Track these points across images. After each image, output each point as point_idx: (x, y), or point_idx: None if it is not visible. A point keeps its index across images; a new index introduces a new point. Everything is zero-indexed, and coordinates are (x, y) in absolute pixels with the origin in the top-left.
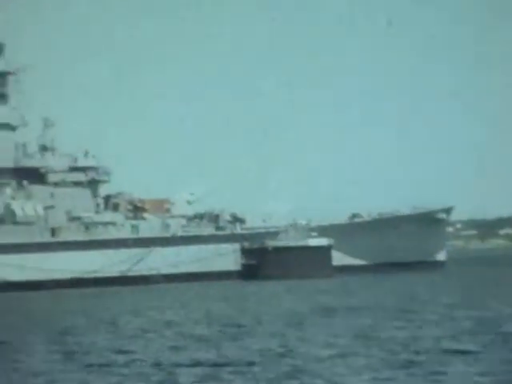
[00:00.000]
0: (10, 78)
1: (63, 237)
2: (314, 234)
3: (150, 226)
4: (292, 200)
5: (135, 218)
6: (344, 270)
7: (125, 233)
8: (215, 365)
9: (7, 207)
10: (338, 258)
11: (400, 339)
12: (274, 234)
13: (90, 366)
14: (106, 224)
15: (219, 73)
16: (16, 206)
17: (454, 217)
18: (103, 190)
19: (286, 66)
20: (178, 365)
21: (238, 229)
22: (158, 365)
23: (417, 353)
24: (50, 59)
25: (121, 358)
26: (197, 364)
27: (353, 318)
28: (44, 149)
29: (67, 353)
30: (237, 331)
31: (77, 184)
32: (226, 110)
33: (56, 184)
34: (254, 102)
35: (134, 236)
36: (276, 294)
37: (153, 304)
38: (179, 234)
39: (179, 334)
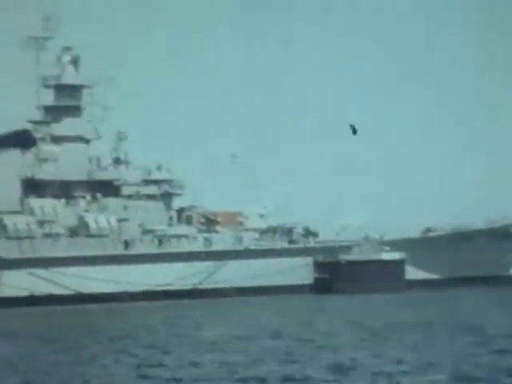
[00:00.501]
0: (85, 92)
1: (136, 249)
2: (386, 248)
3: (222, 239)
4: (365, 214)
5: (208, 231)
6: (417, 284)
7: (197, 246)
8: (285, 379)
9: (81, 220)
10: (411, 273)
11: (473, 356)
12: (346, 248)
13: (169, 380)
14: (178, 237)
15: (299, 91)
16: (90, 219)
17: None
18: (176, 203)
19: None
20: (248, 379)
21: (311, 242)
22: (227, 380)
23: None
24: (123, 72)
25: (194, 372)
26: (266, 379)
27: (425, 333)
28: (118, 162)
29: (142, 366)
30: (308, 345)
31: (150, 197)
32: (299, 125)
33: (129, 197)
34: (334, 117)
35: (207, 249)
36: (348, 308)
37: (225, 317)
38: (252, 247)
39: (251, 347)
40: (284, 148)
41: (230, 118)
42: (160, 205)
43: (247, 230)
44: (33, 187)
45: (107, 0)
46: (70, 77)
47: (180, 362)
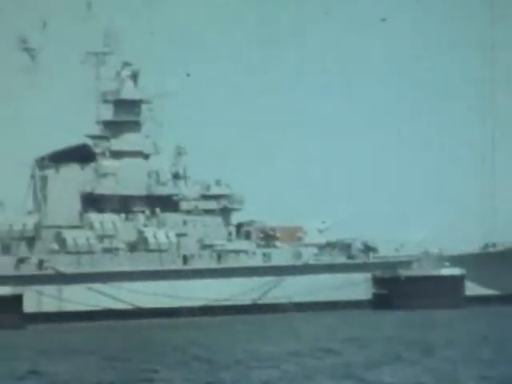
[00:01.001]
0: (144, 106)
1: (195, 264)
2: (446, 263)
3: (281, 255)
4: (425, 229)
5: (267, 246)
6: (477, 300)
7: (256, 261)
8: None
9: (140, 234)
10: (471, 288)
11: None
12: (406, 264)
13: None
14: (237, 252)
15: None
16: (149, 234)
17: None
18: (235, 218)
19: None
20: None
21: (370, 258)
22: None
23: None
24: (184, 87)
25: None
26: None
27: (484, 350)
28: (177, 177)
29: (199, 382)
30: (365, 362)
31: (209, 212)
32: (358, 141)
33: (188, 212)
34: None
35: (266, 264)
36: (407, 324)
37: (283, 333)
38: (310, 262)
39: (308, 363)
40: (342, 161)
41: (286, 130)
42: (219, 220)
43: (306, 245)
44: (92, 202)
45: (166, 15)
46: (129, 92)
47: (236, 378)
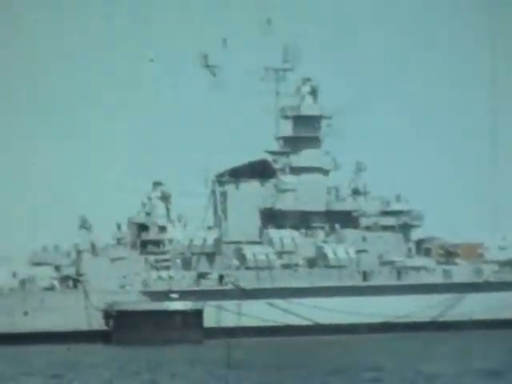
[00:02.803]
0: (323, 122)
1: (375, 281)
2: None
3: (462, 271)
4: None
5: (447, 263)
6: None
7: (437, 278)
8: None
9: (319, 250)
10: None
11: None
12: None
13: None
14: (417, 269)
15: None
16: (328, 250)
17: None
18: (415, 235)
19: None
20: None
21: None
22: None
23: None
24: (361, 102)
25: None
26: None
27: None
28: (356, 192)
29: None
30: None
31: (388, 228)
32: None
33: (368, 228)
34: None
35: (446, 281)
36: None
37: (458, 351)
38: (491, 279)
39: None
40: None
41: (464, 143)
42: (399, 236)
43: (487, 262)
44: (272, 218)
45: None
46: (308, 108)
47: None
